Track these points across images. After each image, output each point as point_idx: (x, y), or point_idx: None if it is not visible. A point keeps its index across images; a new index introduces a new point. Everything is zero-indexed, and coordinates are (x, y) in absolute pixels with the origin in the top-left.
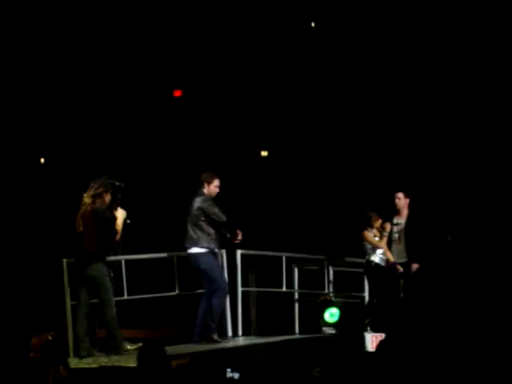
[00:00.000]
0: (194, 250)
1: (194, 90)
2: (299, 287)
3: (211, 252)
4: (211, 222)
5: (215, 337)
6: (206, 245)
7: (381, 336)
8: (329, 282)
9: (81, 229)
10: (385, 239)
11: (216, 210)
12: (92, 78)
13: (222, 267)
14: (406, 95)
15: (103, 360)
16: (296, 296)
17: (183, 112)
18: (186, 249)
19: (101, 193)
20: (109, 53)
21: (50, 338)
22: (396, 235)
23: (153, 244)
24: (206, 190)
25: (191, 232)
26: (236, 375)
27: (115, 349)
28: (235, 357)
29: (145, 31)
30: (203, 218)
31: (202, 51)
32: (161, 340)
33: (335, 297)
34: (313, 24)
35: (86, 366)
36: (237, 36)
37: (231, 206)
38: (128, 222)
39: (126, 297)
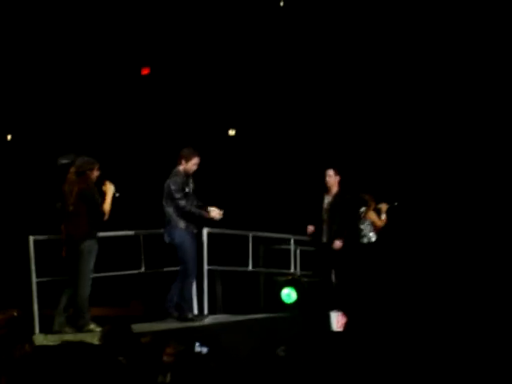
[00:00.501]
0: (169, 227)
1: (161, 68)
2: (266, 266)
3: (188, 231)
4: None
5: (190, 315)
6: (182, 225)
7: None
8: (295, 261)
9: (71, 208)
10: (384, 220)
11: (178, 195)
12: (60, 55)
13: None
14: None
15: (68, 338)
16: (262, 275)
17: (151, 90)
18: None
19: (84, 171)
20: (77, 30)
21: (15, 314)
22: (325, 215)
23: (120, 222)
24: (181, 167)
25: (165, 210)
26: (204, 349)
27: (80, 328)
28: (201, 335)
29: (112, 9)
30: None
31: (169, 29)
32: (127, 318)
33: (300, 276)
34: (281, 3)
35: (51, 344)
36: (203, 12)
37: (199, 185)
38: (117, 195)
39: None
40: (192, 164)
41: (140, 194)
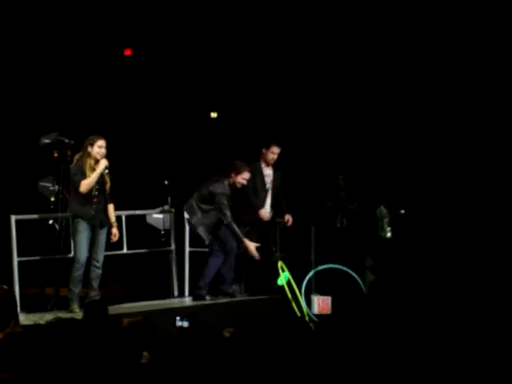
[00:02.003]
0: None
1: (144, 49)
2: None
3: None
4: None
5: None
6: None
7: (327, 299)
8: (275, 243)
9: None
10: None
11: (227, 211)
12: (41, 36)
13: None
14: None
15: (49, 317)
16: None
17: (133, 71)
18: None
19: (85, 146)
20: (57, 10)
21: (5, 287)
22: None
23: None
24: (231, 180)
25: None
26: (185, 323)
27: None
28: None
29: None
30: None
31: (151, 10)
32: (107, 299)
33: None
34: None
35: (31, 323)
36: None
37: (181, 168)
38: (107, 171)
39: (71, 255)
40: (241, 178)
41: (121, 175)
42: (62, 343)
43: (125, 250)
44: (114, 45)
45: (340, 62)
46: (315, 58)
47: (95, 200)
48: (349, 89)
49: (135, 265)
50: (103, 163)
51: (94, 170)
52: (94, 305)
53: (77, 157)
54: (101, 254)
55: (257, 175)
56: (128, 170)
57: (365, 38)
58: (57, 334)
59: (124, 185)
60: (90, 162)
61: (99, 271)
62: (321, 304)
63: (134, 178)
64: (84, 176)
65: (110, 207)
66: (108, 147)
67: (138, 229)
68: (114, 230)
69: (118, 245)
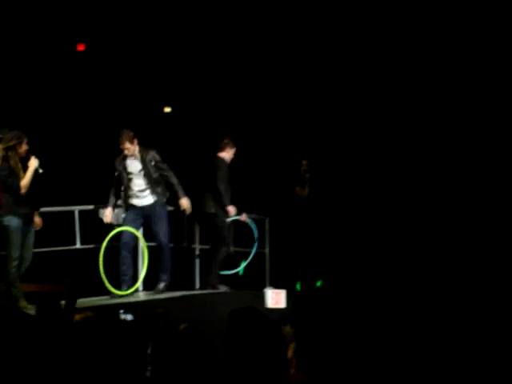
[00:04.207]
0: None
1: (97, 43)
2: (201, 243)
3: None
4: None
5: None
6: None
7: (280, 292)
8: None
9: None
10: None
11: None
12: None
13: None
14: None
15: None
16: (197, 252)
17: (86, 66)
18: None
19: (14, 145)
20: (10, 5)
21: None
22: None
23: (55, 197)
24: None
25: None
26: (129, 317)
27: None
28: (137, 309)
29: None
30: None
31: (104, 4)
32: (60, 294)
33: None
34: None
35: None
36: None
37: None
38: (40, 171)
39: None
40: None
41: (74, 170)
42: (18, 339)
43: (78, 245)
44: (66, 40)
45: (297, 44)
46: (269, 40)
47: (26, 198)
48: (307, 73)
49: (89, 260)
50: (34, 163)
51: (22, 168)
52: (48, 301)
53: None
54: (30, 251)
55: None
56: (81, 166)
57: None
58: (13, 329)
59: (76, 180)
60: (16, 159)
61: (24, 268)
62: (275, 297)
63: (86, 173)
64: (15, 175)
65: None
66: (58, 143)
67: (91, 224)
68: (37, 219)
69: (71, 240)
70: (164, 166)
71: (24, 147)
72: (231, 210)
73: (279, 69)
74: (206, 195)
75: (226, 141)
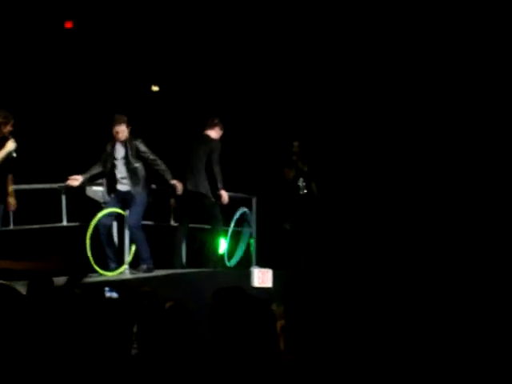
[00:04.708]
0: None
1: (85, 21)
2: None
3: None
4: None
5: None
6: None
7: (267, 271)
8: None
9: None
10: None
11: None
12: None
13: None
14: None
15: None
16: (184, 231)
17: (74, 44)
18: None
19: None
20: None
21: None
22: None
23: (42, 174)
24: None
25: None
26: (114, 294)
27: None
28: (123, 287)
29: None
30: None
31: None
32: (48, 272)
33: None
34: None
35: None
36: None
37: None
38: (14, 155)
39: (12, 227)
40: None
41: (61, 148)
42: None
43: (64, 223)
44: (54, 17)
45: (290, 24)
46: (261, 18)
47: None
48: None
49: (75, 238)
50: (10, 146)
51: None
52: (40, 278)
53: None
54: None
55: None
56: (67, 143)
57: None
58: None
59: (63, 157)
60: None
61: None
62: (261, 276)
63: (73, 150)
64: None
65: (9, 178)
66: (46, 120)
67: (77, 201)
68: (10, 199)
69: (57, 218)
70: (149, 155)
71: (8, 128)
72: (224, 194)
73: (271, 46)
74: (196, 174)
75: (216, 121)
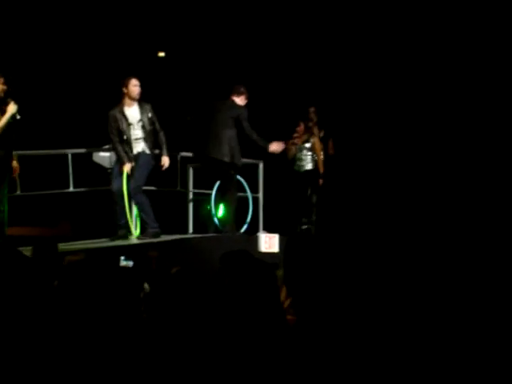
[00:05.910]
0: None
1: None
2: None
3: None
4: None
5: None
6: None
7: (274, 236)
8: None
9: None
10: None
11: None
12: None
13: None
14: None
15: None
16: (190, 196)
17: (77, 11)
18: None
19: None
20: None
21: None
22: None
23: (47, 140)
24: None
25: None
26: (130, 263)
27: None
28: (130, 252)
29: None
30: None
31: None
32: (55, 238)
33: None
34: None
35: None
36: None
37: None
38: (18, 117)
39: (19, 192)
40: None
41: (67, 114)
42: (13, 280)
43: (71, 189)
44: None
45: None
46: None
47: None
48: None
49: (83, 203)
50: (12, 109)
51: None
52: (44, 242)
53: None
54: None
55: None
56: (73, 109)
57: None
58: (9, 269)
59: (71, 123)
60: None
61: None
62: (268, 241)
63: (80, 116)
64: None
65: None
66: (52, 87)
67: (84, 167)
68: (14, 164)
69: (65, 183)
70: (156, 122)
71: (0, 87)
72: (276, 147)
73: (282, 8)
74: (221, 142)
75: (242, 89)
